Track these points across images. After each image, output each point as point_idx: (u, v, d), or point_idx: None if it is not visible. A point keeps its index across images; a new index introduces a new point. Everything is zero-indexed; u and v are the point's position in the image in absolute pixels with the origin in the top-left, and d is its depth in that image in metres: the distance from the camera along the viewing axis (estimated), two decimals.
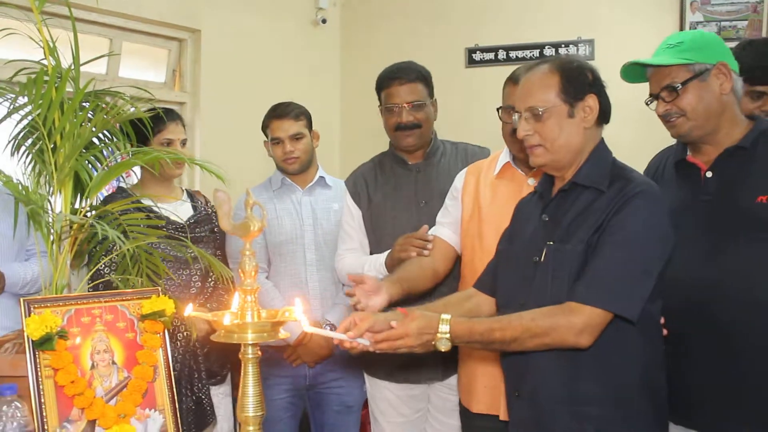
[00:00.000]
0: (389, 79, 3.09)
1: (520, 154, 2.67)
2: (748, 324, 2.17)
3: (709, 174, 2.30)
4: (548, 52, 5.21)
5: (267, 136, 3.42)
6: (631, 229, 2.00)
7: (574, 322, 1.96)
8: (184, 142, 3.23)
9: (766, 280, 2.15)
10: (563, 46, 5.21)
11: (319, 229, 3.36)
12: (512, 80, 2.69)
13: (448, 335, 1.97)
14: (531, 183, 2.68)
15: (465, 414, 2.81)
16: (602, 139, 2.21)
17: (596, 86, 2.16)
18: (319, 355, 3.26)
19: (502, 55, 5.34)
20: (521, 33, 5.30)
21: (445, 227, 2.87)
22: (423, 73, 3.13)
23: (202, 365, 3.05)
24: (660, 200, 2.06)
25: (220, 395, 3.23)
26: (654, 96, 2.34)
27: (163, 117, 2.92)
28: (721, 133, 2.29)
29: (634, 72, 2.38)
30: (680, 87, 2.26)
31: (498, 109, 2.74)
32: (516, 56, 5.30)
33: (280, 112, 3.37)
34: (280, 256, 3.32)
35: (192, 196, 3.36)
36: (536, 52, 5.24)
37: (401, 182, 3.14)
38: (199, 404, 3.01)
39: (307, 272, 3.31)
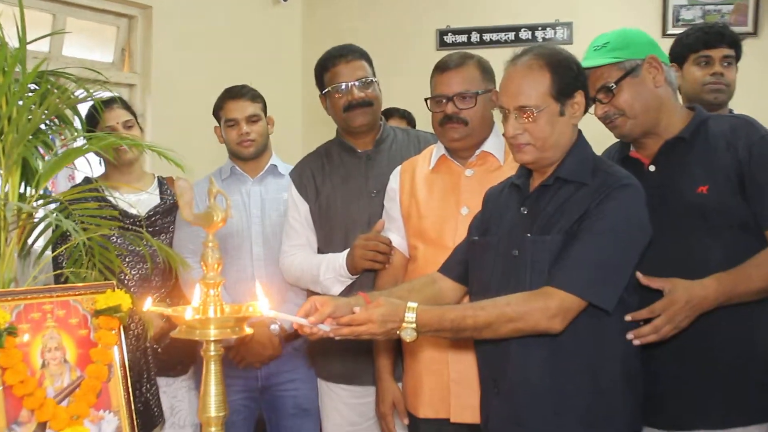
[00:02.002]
0: (334, 58, 3.12)
1: (453, 144, 2.77)
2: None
3: (651, 168, 2.44)
4: (524, 35, 5.31)
5: (219, 120, 3.45)
6: (612, 220, 2.12)
7: (548, 306, 2.06)
8: (128, 124, 3.28)
9: (709, 268, 2.27)
10: (540, 29, 5.31)
11: (267, 220, 3.39)
12: (439, 68, 2.78)
13: (413, 324, 2.04)
14: (468, 174, 2.77)
15: (411, 419, 2.85)
16: (580, 131, 2.32)
17: (581, 80, 2.27)
18: (264, 355, 3.30)
19: (475, 37, 5.43)
20: (496, 14, 5.39)
21: (393, 233, 2.92)
22: (365, 53, 3.18)
23: (152, 364, 3.12)
24: (641, 194, 2.19)
25: (183, 389, 3.32)
26: (591, 99, 2.44)
27: (97, 106, 2.89)
28: (660, 126, 2.43)
29: None
30: (614, 86, 2.39)
31: (426, 100, 2.80)
32: (490, 39, 5.40)
33: (235, 92, 3.42)
34: (225, 250, 3.22)
35: (162, 183, 3.43)
36: (511, 35, 5.34)
37: (350, 171, 3.16)
38: (147, 406, 3.11)
39: (254, 267, 3.34)
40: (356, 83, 3.07)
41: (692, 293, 2.20)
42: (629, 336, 2.17)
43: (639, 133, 2.43)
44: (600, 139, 2.52)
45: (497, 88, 2.75)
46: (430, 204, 2.81)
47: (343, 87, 3.08)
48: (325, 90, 3.15)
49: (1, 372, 2.01)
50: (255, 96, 3.44)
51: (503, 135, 2.31)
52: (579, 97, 2.25)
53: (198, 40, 5.01)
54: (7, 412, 2.00)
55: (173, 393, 3.31)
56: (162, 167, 3.15)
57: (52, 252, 2.61)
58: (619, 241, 2.12)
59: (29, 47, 2.34)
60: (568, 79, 2.23)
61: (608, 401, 2.16)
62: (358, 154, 3.17)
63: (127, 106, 3.35)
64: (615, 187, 2.15)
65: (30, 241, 2.40)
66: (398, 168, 2.98)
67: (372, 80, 3.11)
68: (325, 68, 3.14)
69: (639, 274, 2.21)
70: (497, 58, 2.69)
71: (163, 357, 3.22)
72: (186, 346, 3.25)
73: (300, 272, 3.13)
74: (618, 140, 2.67)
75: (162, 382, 3.23)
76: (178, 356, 3.27)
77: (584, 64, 2.40)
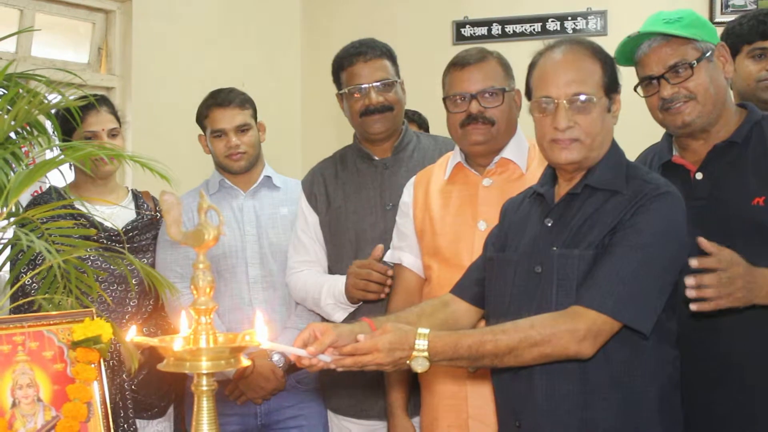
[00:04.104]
0: (351, 56, 3.16)
1: (475, 149, 2.79)
2: (749, 344, 2.32)
3: (698, 175, 2.45)
4: (552, 26, 5.32)
5: (204, 129, 3.48)
6: (648, 233, 2.13)
7: (577, 328, 2.07)
8: (113, 132, 3.30)
9: None
10: (570, 18, 5.32)
11: (264, 239, 3.42)
12: (458, 64, 2.80)
13: (425, 353, 2.04)
14: (486, 184, 2.79)
15: None
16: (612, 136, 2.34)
17: (619, 79, 2.31)
18: (266, 390, 3.31)
19: (496, 29, 5.44)
20: (520, 4, 5.40)
21: (405, 252, 2.95)
22: (388, 49, 3.22)
23: (130, 401, 3.13)
24: (681, 205, 2.20)
25: None
26: (653, 78, 2.45)
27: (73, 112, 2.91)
28: (717, 125, 2.45)
29: (626, 51, 2.51)
30: (695, 64, 2.39)
31: (445, 100, 2.83)
32: (513, 31, 5.41)
33: (222, 99, 3.42)
34: (218, 273, 3.31)
35: (137, 197, 3.45)
36: (537, 26, 5.35)
37: (365, 181, 3.21)
38: None
39: (250, 291, 3.37)
40: (376, 85, 3.10)
41: (752, 269, 2.19)
42: (688, 282, 2.11)
43: (701, 125, 2.43)
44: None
45: (518, 88, 2.80)
46: (445, 219, 2.83)
47: (361, 89, 3.11)
48: (342, 91, 3.19)
49: None
50: (244, 101, 3.44)
51: (540, 134, 2.30)
52: (619, 96, 2.30)
53: (184, 38, 5.05)
54: None
55: None
56: (142, 180, 3.18)
57: (18, 276, 2.62)
58: (657, 257, 2.13)
59: None
60: (614, 73, 2.28)
61: None
62: (375, 162, 3.22)
63: (114, 111, 3.37)
64: (652, 196, 2.17)
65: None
66: (412, 179, 3.01)
67: (394, 81, 3.15)
68: (342, 66, 3.19)
69: (700, 240, 2.16)
70: (521, 53, 2.72)
71: (136, 395, 3.23)
72: (162, 383, 3.29)
73: (304, 293, 3.19)
74: (654, 144, 2.68)
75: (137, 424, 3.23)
76: (153, 394, 3.30)
77: (661, 29, 2.41)
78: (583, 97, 2.21)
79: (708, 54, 2.42)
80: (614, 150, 2.31)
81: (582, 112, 2.22)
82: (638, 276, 2.11)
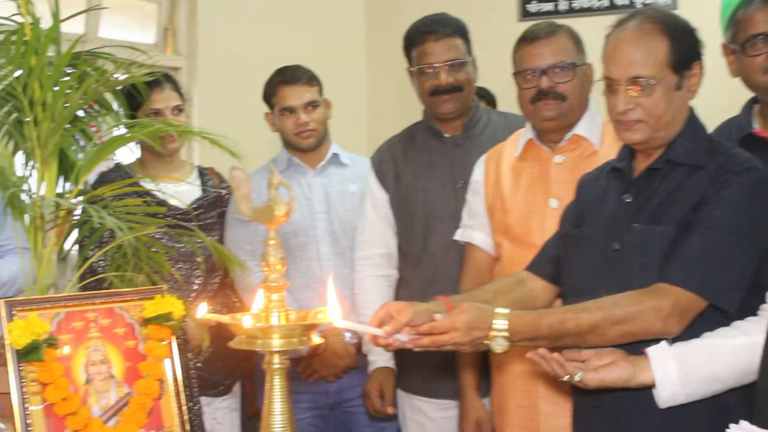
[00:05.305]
0: (422, 34, 3.12)
1: (546, 125, 2.73)
2: None
3: None
4: (621, 0, 5.21)
5: (272, 107, 3.46)
6: (733, 209, 2.06)
7: (662, 305, 2.01)
8: (178, 109, 3.32)
9: None
10: None
11: (334, 216, 3.41)
12: (527, 39, 2.74)
13: (505, 333, 2.00)
14: (558, 161, 2.74)
15: None
16: (692, 108, 2.26)
17: (699, 49, 2.22)
18: (339, 367, 3.32)
19: (563, 5, 5.35)
20: None
21: (476, 230, 2.92)
22: (461, 26, 3.17)
23: (195, 379, 3.15)
24: (767, 181, 2.12)
25: (224, 409, 3.35)
26: (747, 42, 2.41)
27: (139, 88, 2.81)
28: None
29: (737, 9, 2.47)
30: None
31: (515, 75, 2.77)
32: (581, 6, 5.32)
33: (289, 76, 3.40)
34: (288, 251, 3.18)
35: (203, 174, 3.46)
36: (606, 2, 5.25)
37: (435, 159, 3.19)
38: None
39: (322, 269, 3.34)
40: (446, 65, 3.07)
41: None
42: None
43: None
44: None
45: (588, 62, 2.75)
46: (516, 196, 2.80)
47: (431, 70, 3.09)
48: (412, 68, 3.17)
49: (41, 388, 2.02)
50: (311, 78, 3.42)
51: (608, 112, 2.25)
52: (697, 69, 2.21)
53: (249, 16, 5.05)
54: None
55: (212, 414, 3.33)
56: (209, 159, 3.17)
57: (86, 254, 2.63)
58: (742, 234, 2.06)
59: (61, 28, 2.36)
60: (687, 46, 2.18)
61: (720, 425, 2.08)
62: (445, 139, 3.19)
63: (178, 88, 3.38)
64: (736, 171, 2.09)
65: (69, 242, 2.43)
66: (483, 157, 2.97)
67: (465, 61, 3.11)
68: (413, 43, 3.15)
69: None
70: (589, 28, 2.67)
71: (202, 372, 3.24)
72: (229, 360, 3.30)
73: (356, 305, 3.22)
74: (732, 117, 2.62)
75: (201, 401, 3.25)
76: (219, 372, 3.32)
77: None
78: (642, 80, 2.14)
79: None
80: (695, 124, 2.23)
81: (643, 94, 2.14)
82: (723, 253, 2.05)
